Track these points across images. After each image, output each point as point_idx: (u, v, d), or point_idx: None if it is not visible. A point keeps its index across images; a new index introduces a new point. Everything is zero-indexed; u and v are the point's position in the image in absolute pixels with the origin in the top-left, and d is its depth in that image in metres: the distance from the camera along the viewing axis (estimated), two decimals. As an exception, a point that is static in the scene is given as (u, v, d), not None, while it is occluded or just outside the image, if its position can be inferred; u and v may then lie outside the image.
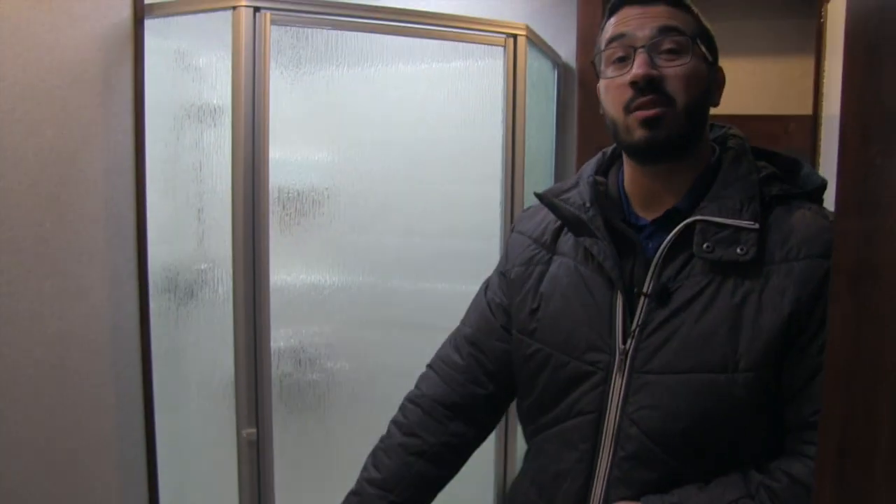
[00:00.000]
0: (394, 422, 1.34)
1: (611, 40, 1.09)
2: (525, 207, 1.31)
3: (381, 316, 2.37)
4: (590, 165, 1.22)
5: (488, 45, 2.24)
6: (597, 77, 1.15)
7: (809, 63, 2.42)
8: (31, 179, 1.63)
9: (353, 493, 1.29)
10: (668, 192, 1.11)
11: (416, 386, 1.37)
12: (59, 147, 1.71)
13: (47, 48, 1.67)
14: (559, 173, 2.87)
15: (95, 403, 1.86)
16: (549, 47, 2.61)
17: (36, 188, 1.65)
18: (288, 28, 2.02)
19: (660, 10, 1.06)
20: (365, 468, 1.31)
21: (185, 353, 2.14)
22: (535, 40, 2.37)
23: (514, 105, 2.27)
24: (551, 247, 1.21)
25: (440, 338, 1.44)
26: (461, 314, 1.42)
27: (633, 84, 1.05)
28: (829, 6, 2.26)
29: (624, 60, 1.07)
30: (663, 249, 1.05)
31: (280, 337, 2.26)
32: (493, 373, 1.29)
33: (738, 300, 1.00)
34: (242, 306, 1.95)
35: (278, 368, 2.19)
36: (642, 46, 1.05)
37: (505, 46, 2.24)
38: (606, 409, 1.07)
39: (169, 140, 2.11)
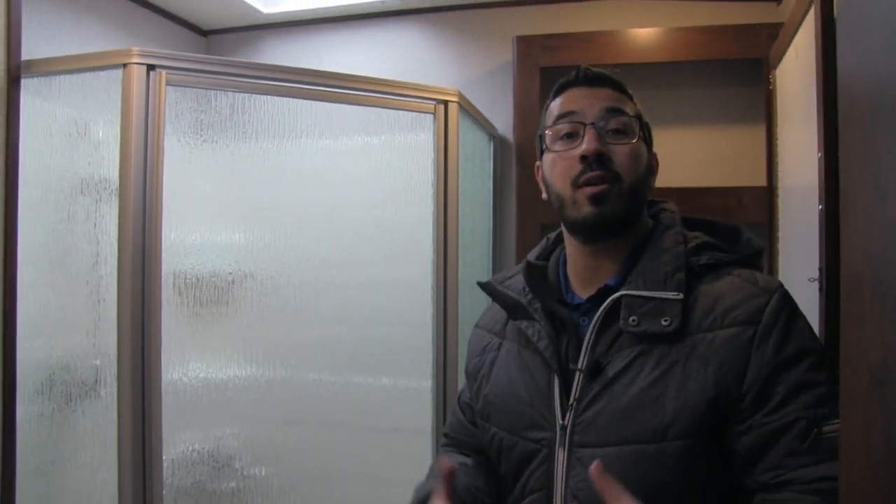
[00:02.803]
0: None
1: (560, 117, 1.13)
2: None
3: (300, 414, 2.14)
4: (533, 252, 1.27)
5: (417, 111, 2.06)
6: (539, 156, 1.19)
7: (760, 132, 2.30)
8: None
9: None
10: (604, 270, 1.14)
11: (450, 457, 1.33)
12: None
13: None
14: (497, 253, 2.67)
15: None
16: (483, 118, 2.45)
17: None
18: (187, 90, 1.80)
19: (606, 92, 1.13)
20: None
21: (61, 469, 1.83)
22: (468, 108, 2.21)
23: (445, 178, 2.08)
24: (501, 333, 1.24)
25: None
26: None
27: (584, 158, 1.08)
28: (777, 72, 2.15)
29: (572, 137, 1.12)
30: (593, 326, 1.08)
31: (184, 441, 1.98)
32: (475, 465, 1.28)
33: (663, 370, 1.02)
34: (129, 409, 1.69)
35: (178, 478, 1.90)
36: (592, 123, 1.10)
37: (435, 114, 2.06)
38: (554, 485, 1.08)
39: (54, 218, 1.85)
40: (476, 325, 1.34)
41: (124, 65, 1.69)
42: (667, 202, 1.22)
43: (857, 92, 0.65)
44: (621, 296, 1.06)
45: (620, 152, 1.09)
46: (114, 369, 1.70)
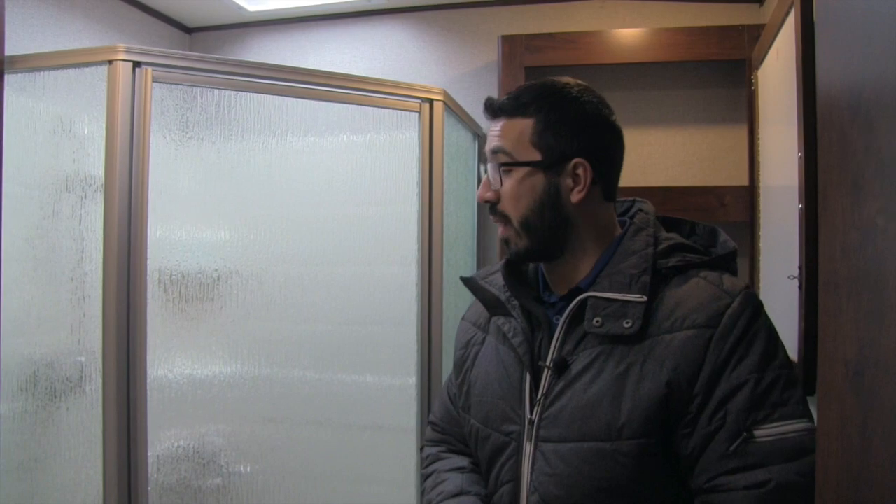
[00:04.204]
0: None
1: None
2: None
3: (285, 412, 2.13)
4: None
5: (403, 110, 2.06)
6: None
7: (742, 132, 2.33)
8: None
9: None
10: (577, 272, 1.16)
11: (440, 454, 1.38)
12: None
13: None
14: (481, 252, 2.68)
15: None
16: (468, 117, 2.46)
17: None
18: (173, 87, 1.80)
19: (500, 125, 1.14)
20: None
21: (45, 466, 1.82)
22: (453, 107, 2.21)
23: (430, 176, 2.08)
24: (485, 327, 1.28)
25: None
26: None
27: None
28: (759, 74, 2.17)
29: None
30: (562, 324, 1.11)
31: (169, 437, 1.98)
32: (464, 451, 1.32)
33: (621, 370, 1.05)
34: (114, 406, 1.68)
35: (163, 475, 1.89)
36: (485, 168, 1.16)
37: (420, 112, 2.07)
38: (521, 478, 1.11)
39: (38, 214, 1.84)
40: (463, 318, 1.37)
41: (110, 61, 1.68)
42: (644, 202, 1.23)
43: (835, 94, 0.66)
44: (587, 297, 1.08)
45: (506, 187, 1.12)
46: (99, 366, 1.69)
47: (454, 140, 2.29)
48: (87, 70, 1.72)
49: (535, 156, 1.11)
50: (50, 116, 1.83)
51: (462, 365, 1.29)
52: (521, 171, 1.11)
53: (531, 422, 1.10)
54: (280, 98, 1.95)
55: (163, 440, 1.94)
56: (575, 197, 1.11)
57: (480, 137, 2.63)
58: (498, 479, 1.15)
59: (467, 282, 1.25)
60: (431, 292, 2.09)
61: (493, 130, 1.14)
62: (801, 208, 1.47)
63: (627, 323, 1.04)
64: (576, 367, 1.08)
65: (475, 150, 2.62)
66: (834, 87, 0.67)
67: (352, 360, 2.12)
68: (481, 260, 2.67)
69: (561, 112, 1.11)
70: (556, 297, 1.18)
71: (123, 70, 1.68)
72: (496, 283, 1.21)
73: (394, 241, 2.13)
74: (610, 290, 1.07)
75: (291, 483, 2.12)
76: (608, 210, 1.17)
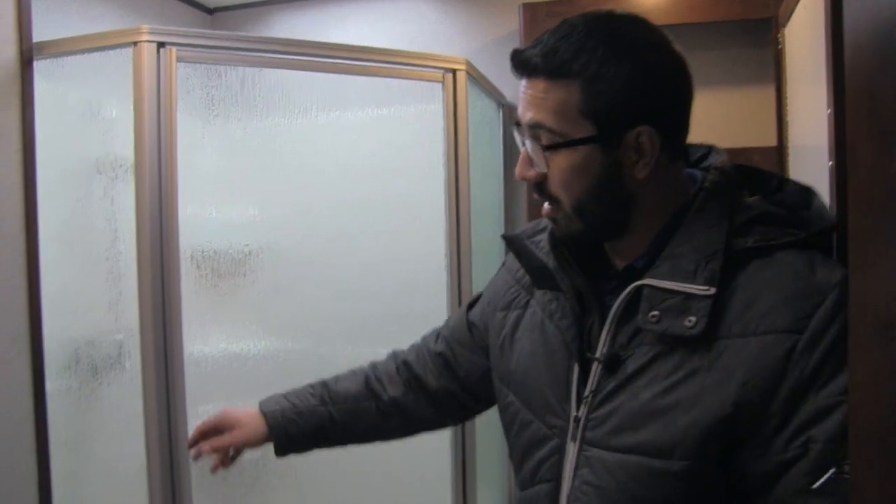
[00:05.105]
0: (374, 361, 1.38)
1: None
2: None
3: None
4: None
5: (425, 80, 2.06)
6: None
7: (769, 92, 2.29)
8: None
9: (310, 385, 1.34)
10: (634, 248, 0.97)
11: (408, 347, 1.38)
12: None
13: None
14: (509, 223, 2.68)
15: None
16: (491, 86, 2.44)
17: None
18: (197, 66, 1.81)
19: (538, 87, 0.90)
20: (333, 376, 1.36)
21: (90, 440, 1.87)
22: (476, 76, 2.20)
23: (455, 147, 2.08)
24: (530, 289, 1.10)
25: None
26: None
27: None
28: (786, 31, 2.13)
29: None
30: (614, 315, 0.94)
31: (202, 414, 2.01)
32: (462, 378, 1.27)
33: (680, 377, 0.87)
34: (153, 382, 1.72)
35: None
36: (523, 139, 0.95)
37: (443, 83, 2.07)
38: (562, 480, 0.98)
39: (72, 197, 1.88)
40: (504, 265, 1.22)
41: (135, 43, 1.69)
42: (720, 153, 1.00)
43: (863, 41, 0.65)
44: (642, 285, 0.90)
45: (554, 169, 0.91)
46: (137, 343, 1.73)
47: (478, 110, 2.29)
48: (112, 52, 1.74)
49: (587, 129, 0.88)
50: (78, 101, 1.86)
51: (500, 329, 1.13)
52: (571, 149, 0.89)
53: (576, 419, 0.96)
54: (304, 74, 1.95)
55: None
56: (640, 172, 0.90)
57: (504, 106, 2.62)
58: (535, 476, 1.02)
59: (511, 242, 1.07)
60: (460, 264, 2.09)
61: (527, 95, 0.91)
62: (832, 166, 1.45)
63: (690, 321, 0.86)
64: (630, 366, 0.91)
65: (500, 120, 2.61)
66: (862, 33, 0.66)
67: (382, 334, 2.13)
68: (510, 230, 2.67)
69: (615, 67, 0.87)
70: (613, 272, 1.00)
71: (148, 51, 1.69)
72: (543, 246, 1.02)
73: (421, 214, 2.14)
74: (670, 278, 0.88)
75: (327, 454, 2.15)
76: (677, 171, 0.96)
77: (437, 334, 1.33)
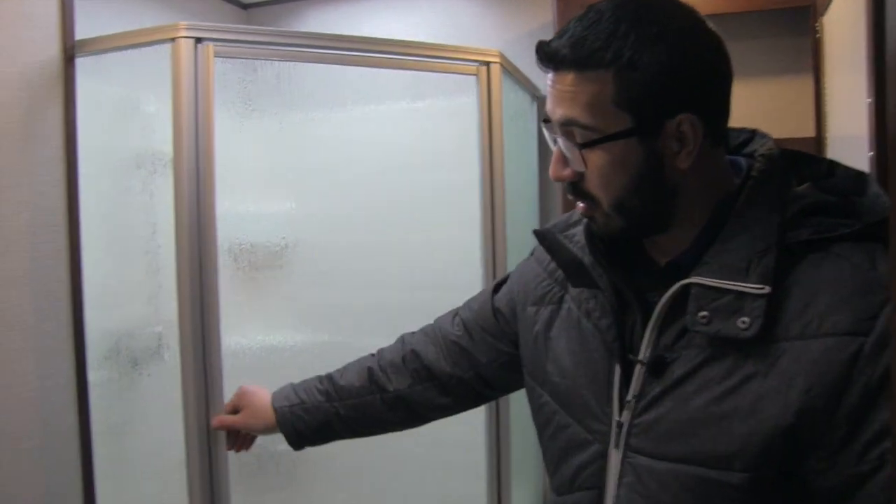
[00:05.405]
0: (382, 348, 1.38)
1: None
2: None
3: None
4: None
5: (460, 73, 2.06)
6: None
7: (807, 82, 2.26)
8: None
9: (318, 378, 1.37)
10: (677, 243, 0.92)
11: (418, 331, 1.37)
12: (-31, 201, 1.50)
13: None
14: (544, 214, 2.68)
15: (25, 489, 1.62)
16: (525, 78, 2.44)
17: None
18: (234, 61, 1.83)
19: (567, 80, 0.85)
20: (341, 368, 1.38)
21: (132, 429, 1.91)
22: (509, 69, 2.20)
23: (490, 140, 2.08)
24: (563, 283, 1.05)
25: None
26: None
27: None
28: (825, 20, 2.10)
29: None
30: (658, 315, 0.88)
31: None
32: (483, 365, 1.23)
33: (735, 383, 0.81)
34: (192, 373, 1.74)
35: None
36: (555, 138, 0.89)
37: (478, 76, 2.06)
38: (605, 489, 0.93)
39: (112, 191, 1.91)
40: (532, 254, 1.17)
41: (173, 39, 1.71)
42: (766, 138, 0.94)
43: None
44: (690, 283, 0.85)
45: (591, 167, 0.86)
46: (175, 334, 1.75)
47: (512, 102, 2.28)
48: (150, 49, 1.75)
49: (623, 122, 0.83)
50: (118, 97, 1.89)
51: (532, 325, 1.08)
52: (608, 144, 0.84)
53: (619, 425, 0.91)
54: (339, 68, 1.96)
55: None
56: (683, 162, 0.85)
57: (539, 100, 2.61)
58: (574, 482, 0.98)
59: (543, 237, 1.03)
60: (495, 256, 2.09)
61: (556, 89, 0.86)
62: (872, 156, 1.43)
63: (743, 322, 0.80)
64: (678, 370, 0.86)
65: (534, 113, 2.61)
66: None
67: (417, 326, 2.15)
68: (543, 222, 2.67)
69: (650, 52, 0.81)
70: (655, 268, 0.95)
71: (186, 47, 1.70)
72: (578, 240, 0.97)
73: (456, 206, 2.14)
74: (720, 276, 0.82)
75: (363, 444, 2.17)
76: (719, 157, 0.91)
77: (455, 317, 1.29)
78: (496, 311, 1.21)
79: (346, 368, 1.37)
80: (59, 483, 1.72)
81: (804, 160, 0.92)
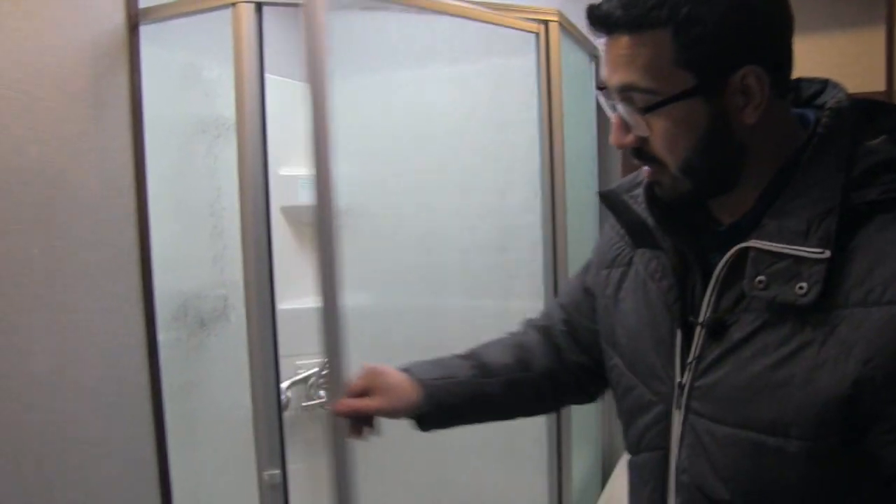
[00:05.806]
0: (514, 332, 1.29)
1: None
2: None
3: (412, 339, 2.18)
4: None
5: (522, 30, 2.03)
6: None
7: (878, 34, 2.18)
8: (13, 202, 1.47)
9: (456, 356, 1.23)
10: (742, 203, 0.88)
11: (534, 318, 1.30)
12: (44, 166, 1.55)
13: (28, 57, 1.51)
14: (603, 176, 2.65)
15: (100, 445, 1.69)
16: (584, 37, 2.40)
17: (19, 212, 1.48)
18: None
19: (622, 43, 0.81)
20: (485, 344, 1.26)
21: (200, 388, 1.97)
22: (568, 28, 2.17)
23: (549, 100, 2.06)
24: (632, 244, 1.05)
25: None
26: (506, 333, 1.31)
27: None
28: (900, -30, 2.02)
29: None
30: (716, 278, 0.87)
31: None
32: (588, 349, 1.17)
33: (792, 350, 0.79)
34: (257, 335, 1.77)
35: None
36: (613, 104, 0.86)
37: (537, 34, 2.04)
38: (670, 449, 0.93)
39: (176, 156, 1.95)
40: (609, 222, 1.14)
41: (233, 4, 1.73)
42: (838, 89, 0.88)
43: None
44: (747, 247, 0.82)
45: (655, 131, 0.84)
46: (240, 296, 1.78)
47: (571, 62, 2.25)
48: (212, 15, 1.77)
49: (685, 81, 0.80)
50: (181, 63, 1.92)
51: (604, 288, 1.08)
52: (671, 106, 0.81)
53: (681, 386, 0.91)
54: (397, 30, 1.95)
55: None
56: (750, 117, 0.81)
57: (597, 59, 2.57)
58: (640, 442, 0.99)
59: (607, 198, 1.01)
60: (555, 217, 2.08)
61: (612, 54, 0.83)
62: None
63: (801, 288, 0.77)
64: (736, 333, 0.84)
65: (592, 73, 2.57)
66: None
67: (480, 286, 2.16)
68: (602, 183, 2.65)
69: (707, 5, 0.77)
70: (719, 228, 0.92)
71: (247, 12, 1.72)
72: (642, 200, 0.95)
73: (515, 167, 2.13)
74: (779, 240, 0.79)
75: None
76: (785, 111, 0.87)
77: (559, 306, 1.24)
78: (587, 290, 1.18)
79: (487, 345, 1.24)
80: (135, 438, 1.79)
81: (881, 110, 0.86)
